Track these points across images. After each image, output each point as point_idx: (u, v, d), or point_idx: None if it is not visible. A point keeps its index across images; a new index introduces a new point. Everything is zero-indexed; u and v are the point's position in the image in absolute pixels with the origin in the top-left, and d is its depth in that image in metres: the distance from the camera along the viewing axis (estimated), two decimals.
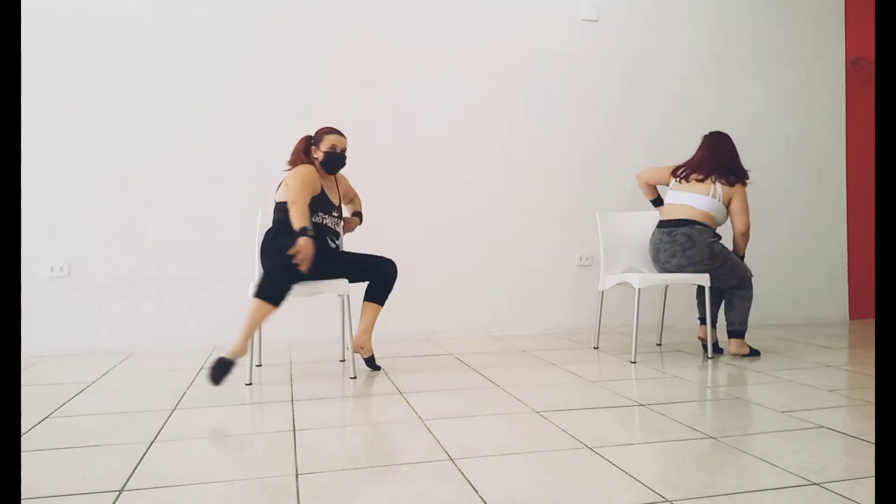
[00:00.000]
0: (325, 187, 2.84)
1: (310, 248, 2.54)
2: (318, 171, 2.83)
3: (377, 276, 2.82)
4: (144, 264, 3.52)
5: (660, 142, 4.23)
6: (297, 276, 2.58)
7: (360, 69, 3.82)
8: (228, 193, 3.61)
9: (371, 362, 2.91)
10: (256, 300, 2.55)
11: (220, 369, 2.46)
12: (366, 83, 3.82)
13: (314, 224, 2.74)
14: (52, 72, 3.42)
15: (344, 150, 2.85)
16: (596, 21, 4.18)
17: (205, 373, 2.76)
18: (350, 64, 3.80)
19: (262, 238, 2.91)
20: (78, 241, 3.45)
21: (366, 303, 2.82)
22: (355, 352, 2.86)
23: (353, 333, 2.83)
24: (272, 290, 2.55)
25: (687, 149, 4.25)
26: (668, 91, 4.30)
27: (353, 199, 3.11)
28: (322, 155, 2.81)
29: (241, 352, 2.54)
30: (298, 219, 2.60)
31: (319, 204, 2.79)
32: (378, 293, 2.82)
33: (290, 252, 2.52)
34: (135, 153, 3.52)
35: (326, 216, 2.81)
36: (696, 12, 4.36)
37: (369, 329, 2.84)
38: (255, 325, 2.55)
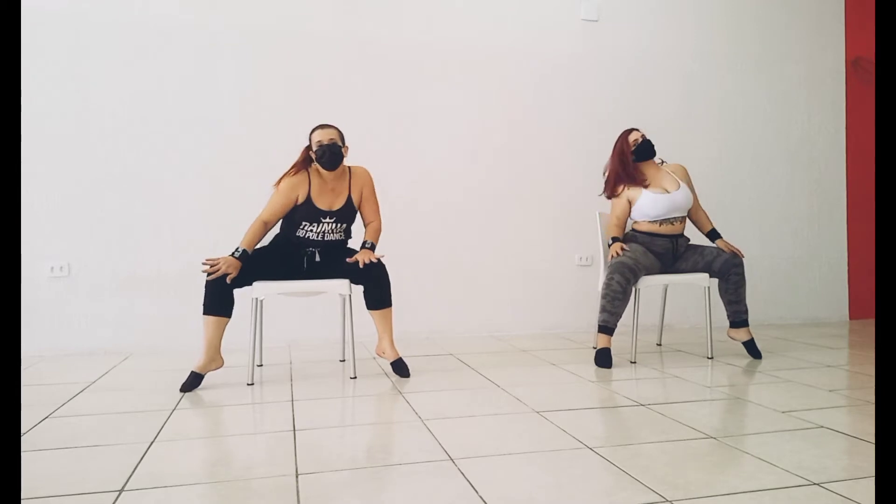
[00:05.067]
0: (316, 193, 2.79)
1: (228, 265, 2.57)
2: (320, 174, 2.81)
3: (367, 283, 2.75)
4: (144, 264, 3.52)
5: (660, 142, 4.22)
6: (216, 285, 2.59)
7: (360, 71, 3.81)
8: (228, 193, 3.61)
9: (398, 367, 2.80)
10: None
11: (190, 382, 2.59)
12: (366, 85, 3.82)
13: (297, 237, 2.81)
14: (52, 72, 3.42)
15: (332, 141, 2.74)
16: (596, 21, 4.18)
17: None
18: (350, 66, 3.80)
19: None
20: (78, 241, 3.45)
21: (370, 312, 2.80)
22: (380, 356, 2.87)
23: (354, 334, 2.82)
24: (204, 300, 2.62)
25: (687, 148, 4.27)
26: (669, 91, 4.30)
27: (371, 221, 2.94)
28: (314, 154, 2.78)
29: (203, 366, 2.61)
30: (244, 238, 2.70)
31: (304, 213, 2.78)
32: (374, 300, 2.76)
33: (207, 262, 2.59)
34: (135, 153, 3.52)
35: (311, 224, 2.79)
36: (696, 12, 4.36)
37: (385, 333, 2.80)
38: (204, 336, 2.62)
